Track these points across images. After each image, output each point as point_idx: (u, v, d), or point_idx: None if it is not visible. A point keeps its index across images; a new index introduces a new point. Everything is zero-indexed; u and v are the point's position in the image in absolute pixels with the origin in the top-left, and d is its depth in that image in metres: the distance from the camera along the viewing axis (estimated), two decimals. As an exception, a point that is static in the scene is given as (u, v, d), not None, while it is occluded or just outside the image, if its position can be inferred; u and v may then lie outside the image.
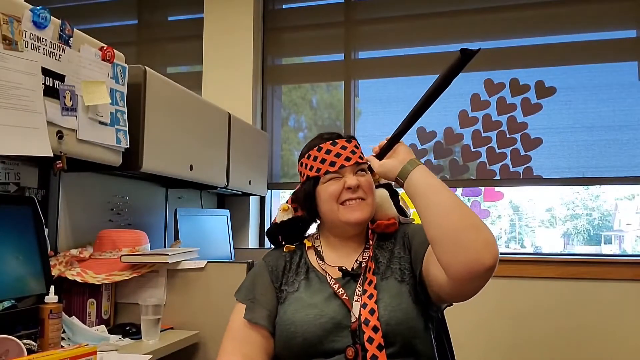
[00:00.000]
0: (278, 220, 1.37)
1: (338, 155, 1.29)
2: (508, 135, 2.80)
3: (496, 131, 2.82)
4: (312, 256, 1.34)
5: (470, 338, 2.59)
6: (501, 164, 2.79)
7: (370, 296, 1.18)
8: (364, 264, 1.26)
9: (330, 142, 1.31)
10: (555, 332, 2.50)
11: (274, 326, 1.24)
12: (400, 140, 1.26)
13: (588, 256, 2.67)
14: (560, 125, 2.75)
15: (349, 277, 1.25)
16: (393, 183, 1.37)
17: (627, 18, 2.72)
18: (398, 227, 1.34)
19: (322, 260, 1.31)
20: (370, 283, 1.22)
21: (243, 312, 1.25)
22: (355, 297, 1.20)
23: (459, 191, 2.95)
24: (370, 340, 1.13)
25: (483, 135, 2.83)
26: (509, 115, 2.81)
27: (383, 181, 1.39)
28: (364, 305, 1.17)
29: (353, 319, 1.16)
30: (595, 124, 2.71)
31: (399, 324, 1.15)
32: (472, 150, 2.84)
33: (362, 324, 1.14)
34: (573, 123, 2.73)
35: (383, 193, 1.38)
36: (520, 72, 2.81)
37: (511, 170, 2.78)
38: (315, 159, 1.30)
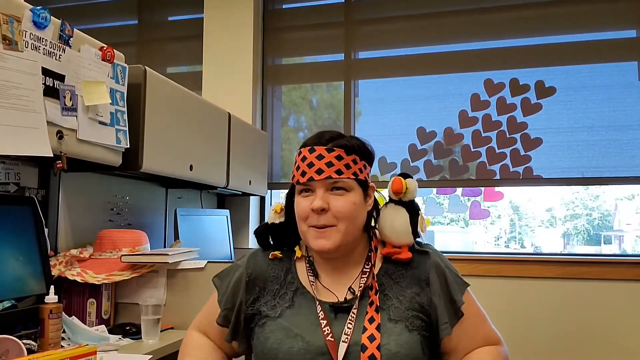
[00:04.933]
0: (269, 222, 1.24)
1: (311, 165, 1.11)
2: (508, 135, 2.80)
3: (496, 131, 2.82)
4: (302, 271, 1.19)
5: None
6: (501, 164, 2.79)
7: (372, 338, 1.05)
8: (361, 294, 1.12)
9: (309, 148, 1.13)
10: (555, 332, 2.50)
11: (229, 323, 1.20)
12: None
13: (588, 256, 2.67)
14: (560, 125, 2.75)
15: (341, 310, 1.11)
16: (415, 200, 1.23)
17: (627, 18, 2.72)
18: (411, 257, 1.17)
19: (315, 276, 1.17)
20: (372, 321, 1.08)
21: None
22: (344, 337, 1.06)
23: (459, 191, 2.95)
24: None
25: (483, 135, 2.83)
26: (509, 115, 2.81)
27: (407, 198, 1.21)
28: (363, 349, 1.04)
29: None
30: (595, 124, 2.70)
31: None
32: (472, 150, 2.84)
33: None
34: (573, 123, 2.73)
35: (401, 215, 1.19)
36: (520, 72, 2.81)
37: (511, 170, 2.78)
38: (295, 162, 1.17)
